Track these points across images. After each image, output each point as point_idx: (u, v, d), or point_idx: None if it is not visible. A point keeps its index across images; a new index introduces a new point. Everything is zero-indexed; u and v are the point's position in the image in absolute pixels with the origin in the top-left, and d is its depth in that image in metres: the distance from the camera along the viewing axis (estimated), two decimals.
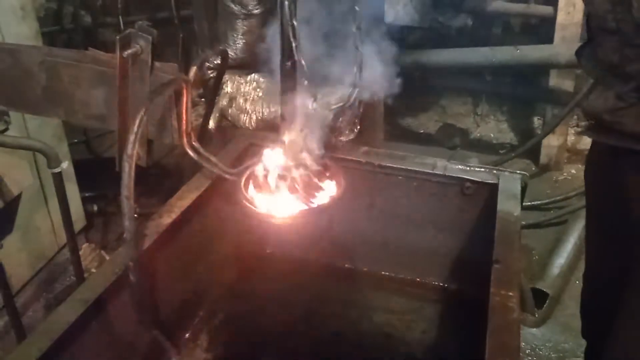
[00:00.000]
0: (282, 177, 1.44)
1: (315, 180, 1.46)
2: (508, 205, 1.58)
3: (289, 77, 1.34)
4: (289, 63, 1.32)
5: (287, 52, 1.31)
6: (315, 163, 1.48)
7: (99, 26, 3.63)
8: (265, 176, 1.45)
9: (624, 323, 1.36)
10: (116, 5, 3.25)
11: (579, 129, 3.98)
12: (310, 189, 1.45)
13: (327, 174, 1.49)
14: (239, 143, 1.90)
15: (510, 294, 1.27)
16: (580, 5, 3.40)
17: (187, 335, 1.74)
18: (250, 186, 1.49)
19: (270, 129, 1.94)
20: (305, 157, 1.47)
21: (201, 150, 1.56)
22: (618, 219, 1.36)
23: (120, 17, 3.24)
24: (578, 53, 1.42)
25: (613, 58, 1.24)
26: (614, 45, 1.23)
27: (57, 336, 1.18)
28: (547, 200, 3.43)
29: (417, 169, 1.80)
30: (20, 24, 2.31)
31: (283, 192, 1.43)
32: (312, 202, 1.43)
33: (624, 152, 1.28)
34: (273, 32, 1.38)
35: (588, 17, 1.36)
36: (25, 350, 1.17)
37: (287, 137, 1.43)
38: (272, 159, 1.47)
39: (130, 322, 1.38)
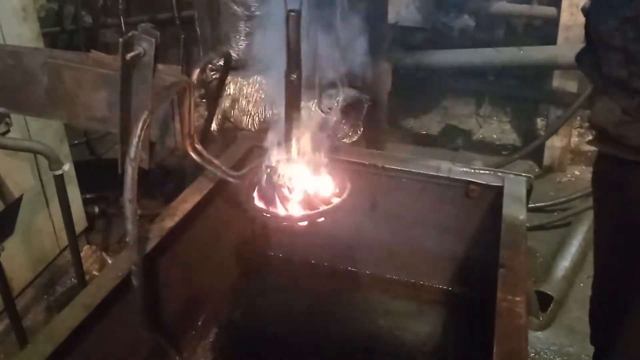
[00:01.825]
0: (286, 180, 1.43)
1: (320, 183, 1.45)
2: (513, 208, 1.57)
3: (294, 90, 1.33)
4: (294, 76, 1.31)
5: (293, 66, 1.30)
6: (318, 166, 1.46)
7: (100, 27, 3.61)
8: (270, 179, 1.44)
9: (633, 329, 1.34)
10: (117, 6, 3.24)
11: (589, 137, 3.96)
12: (315, 192, 1.44)
13: (331, 177, 1.48)
14: (242, 145, 1.89)
15: (518, 299, 1.25)
16: None
17: (189, 338, 1.73)
18: (255, 190, 1.47)
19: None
20: (309, 160, 1.46)
21: (204, 152, 1.55)
22: (627, 227, 1.35)
23: (121, 18, 3.23)
24: (578, 59, 1.41)
25: (619, 74, 1.23)
26: (619, 61, 1.22)
27: (60, 341, 1.18)
28: (550, 202, 3.42)
29: (421, 172, 1.79)
30: (22, 25, 2.30)
31: (288, 195, 1.42)
32: (317, 205, 1.42)
33: (629, 163, 1.28)
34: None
35: (587, 26, 1.35)
36: (28, 356, 1.16)
37: (291, 142, 1.41)
38: (275, 162, 1.46)
39: (132, 326, 1.37)
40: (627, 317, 1.36)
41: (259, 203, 1.44)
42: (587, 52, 1.36)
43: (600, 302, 1.63)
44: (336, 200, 1.44)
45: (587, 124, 3.98)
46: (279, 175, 1.42)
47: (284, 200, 1.40)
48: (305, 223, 1.39)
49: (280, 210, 1.40)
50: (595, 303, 1.65)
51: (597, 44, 1.30)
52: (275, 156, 1.46)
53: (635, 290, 1.33)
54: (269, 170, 1.44)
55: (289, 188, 1.41)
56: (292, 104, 1.36)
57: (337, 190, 1.47)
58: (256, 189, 1.47)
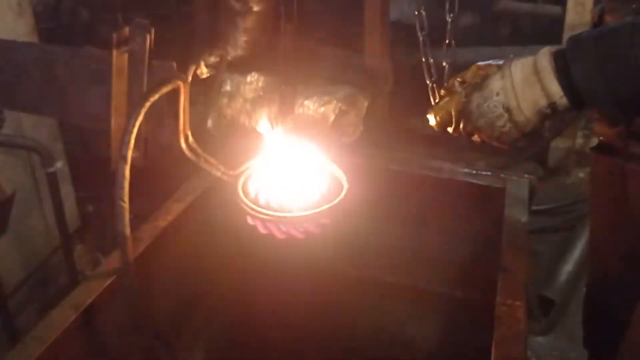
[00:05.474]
0: (283, 180, 1.40)
1: (314, 184, 1.42)
2: (515, 210, 1.55)
3: (287, 100, 1.32)
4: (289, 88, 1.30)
5: (287, 76, 1.28)
6: (317, 167, 1.43)
7: (98, 22, 3.58)
8: (266, 178, 1.41)
9: (631, 338, 1.32)
10: (115, 0, 3.21)
11: (593, 138, 3.93)
12: (313, 191, 1.40)
13: (330, 178, 1.45)
14: (238, 143, 1.86)
15: (518, 303, 1.22)
16: (589, 6, 3.35)
17: (183, 342, 1.70)
18: (249, 189, 1.44)
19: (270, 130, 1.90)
20: (308, 161, 1.43)
21: (199, 150, 1.52)
22: (624, 234, 1.33)
23: (119, 13, 3.20)
24: None
25: None
26: None
27: (49, 342, 1.15)
28: (554, 205, 3.38)
29: (422, 173, 1.77)
30: (16, 20, 2.28)
31: (285, 195, 1.39)
32: (316, 207, 1.38)
33: (629, 171, 1.27)
34: None
35: None
36: (16, 358, 1.13)
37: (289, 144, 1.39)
38: (272, 161, 1.43)
39: (124, 328, 1.35)
40: (622, 320, 1.34)
41: (250, 203, 1.40)
42: None
43: (595, 307, 1.63)
44: (330, 203, 1.40)
45: (592, 126, 3.95)
46: (272, 175, 1.39)
47: (275, 201, 1.36)
48: (290, 227, 1.35)
49: (270, 211, 1.36)
50: (590, 307, 1.65)
51: None
52: (271, 156, 1.44)
53: (635, 293, 1.30)
54: (263, 169, 1.41)
55: (282, 189, 1.38)
56: (285, 112, 1.35)
57: (334, 192, 1.43)
58: (249, 187, 1.44)
